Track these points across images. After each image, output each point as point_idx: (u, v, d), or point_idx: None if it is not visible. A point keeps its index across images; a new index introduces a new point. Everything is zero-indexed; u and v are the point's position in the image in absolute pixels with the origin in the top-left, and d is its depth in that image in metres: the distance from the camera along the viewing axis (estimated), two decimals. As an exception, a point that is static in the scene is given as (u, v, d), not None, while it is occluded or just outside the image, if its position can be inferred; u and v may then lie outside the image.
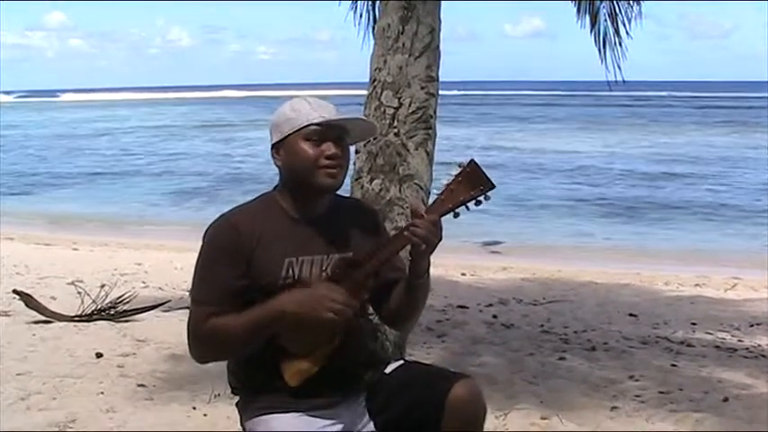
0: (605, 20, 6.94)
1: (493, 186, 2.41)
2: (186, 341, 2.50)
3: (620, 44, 6.86)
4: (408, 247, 2.45)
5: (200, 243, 2.51)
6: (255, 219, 2.49)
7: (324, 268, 2.48)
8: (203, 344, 2.47)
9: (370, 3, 6.98)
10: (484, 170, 2.41)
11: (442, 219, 2.42)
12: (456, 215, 2.43)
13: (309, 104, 2.51)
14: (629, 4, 6.87)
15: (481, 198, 2.41)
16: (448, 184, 2.41)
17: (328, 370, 2.44)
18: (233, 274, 2.43)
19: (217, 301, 2.42)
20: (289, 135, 2.48)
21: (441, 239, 2.41)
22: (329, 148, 2.45)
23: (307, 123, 2.46)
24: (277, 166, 2.54)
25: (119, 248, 12.14)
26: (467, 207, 2.42)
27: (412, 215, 2.42)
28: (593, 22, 6.96)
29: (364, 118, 2.61)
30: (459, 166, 2.41)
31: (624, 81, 6.76)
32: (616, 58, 6.86)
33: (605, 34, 6.92)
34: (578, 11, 7.03)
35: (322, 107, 2.51)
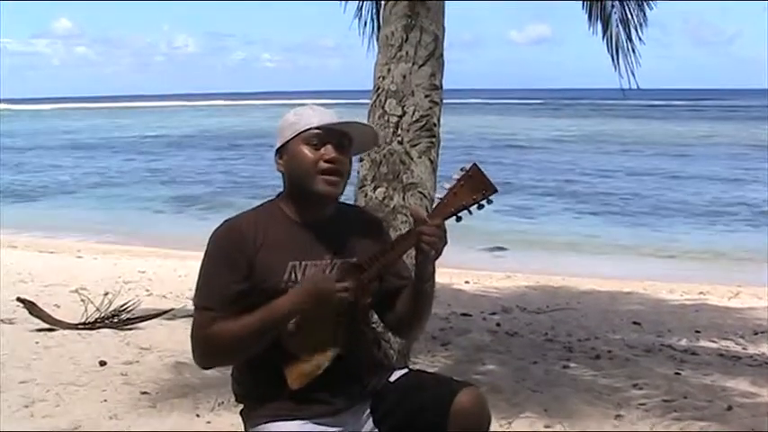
0: (617, 25, 6.89)
1: (495, 190, 2.40)
2: (190, 348, 2.50)
3: (633, 50, 6.82)
4: (412, 254, 2.45)
5: (203, 251, 2.51)
6: (259, 223, 2.50)
7: (326, 273, 2.47)
8: (207, 349, 2.47)
9: (375, 10, 6.98)
10: (486, 174, 2.40)
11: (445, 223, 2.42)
12: (458, 219, 2.42)
13: (312, 110, 2.54)
14: (638, 7, 6.84)
15: (483, 202, 2.41)
16: (451, 188, 2.41)
17: (333, 377, 2.44)
18: (236, 278, 2.43)
19: (220, 305, 2.43)
20: (290, 140, 2.50)
21: (446, 243, 2.41)
22: (329, 152, 2.46)
23: (306, 127, 2.48)
24: (280, 171, 2.55)
25: (122, 256, 12.16)
26: (469, 211, 2.42)
27: (414, 221, 2.42)
28: (605, 28, 6.92)
29: (364, 122, 2.59)
30: (462, 169, 2.41)
31: (639, 88, 6.71)
32: (629, 64, 6.80)
33: (617, 40, 6.87)
34: (590, 17, 6.99)
35: (323, 113, 2.53)
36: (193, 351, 2.50)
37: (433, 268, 2.48)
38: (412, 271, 2.52)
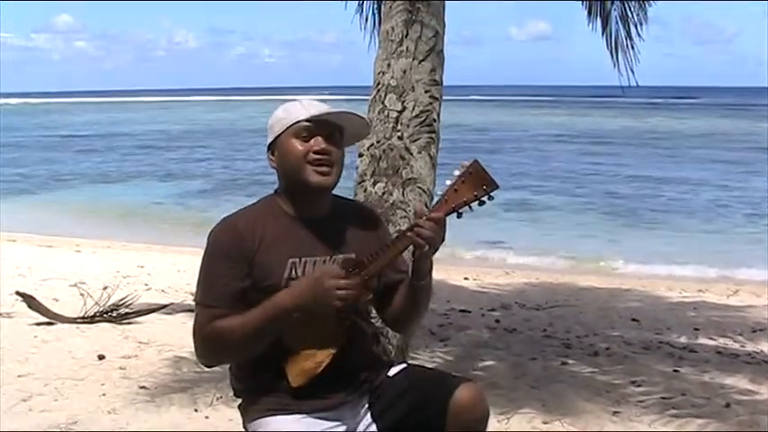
0: (617, 22, 6.88)
1: (497, 187, 2.40)
2: (191, 344, 2.50)
3: (633, 47, 6.81)
4: (411, 249, 2.45)
5: (203, 245, 2.51)
6: (257, 220, 2.49)
7: (331, 268, 2.47)
8: (209, 347, 2.46)
9: (375, 6, 6.98)
10: (487, 170, 2.40)
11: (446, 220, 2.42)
12: (459, 215, 2.42)
13: (301, 104, 2.53)
14: (639, 5, 6.83)
15: (484, 198, 2.41)
16: (452, 185, 2.40)
17: (331, 372, 2.43)
18: (236, 276, 2.43)
19: (220, 303, 2.42)
20: (280, 134, 2.50)
21: (444, 240, 2.41)
22: (318, 143, 2.45)
23: (296, 120, 2.47)
24: (273, 167, 2.55)
25: (122, 250, 12.16)
26: (470, 207, 2.41)
27: (415, 217, 2.42)
28: (605, 25, 6.90)
29: (354, 112, 2.57)
30: (462, 166, 2.41)
31: (638, 85, 6.70)
32: (629, 61, 6.79)
33: (617, 37, 6.86)
34: (589, 13, 6.97)
35: (313, 106, 2.52)
36: (196, 349, 2.50)
37: (431, 264, 2.47)
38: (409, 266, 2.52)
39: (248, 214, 2.53)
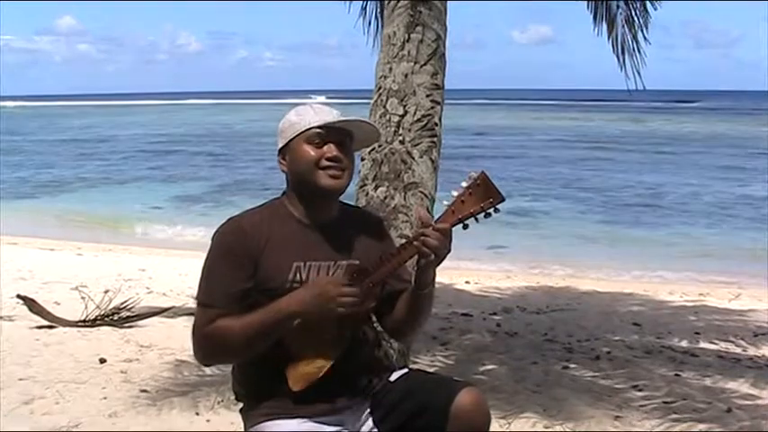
0: (623, 26, 6.87)
1: (503, 199, 2.40)
2: (191, 345, 2.50)
3: (639, 50, 6.81)
4: (414, 258, 2.45)
5: (204, 249, 2.51)
6: (264, 222, 2.50)
7: (331, 275, 2.47)
8: (207, 346, 2.47)
9: (378, 9, 6.99)
10: (494, 182, 2.40)
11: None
12: (465, 226, 2.42)
13: (312, 109, 2.55)
14: (643, 7, 6.82)
15: (491, 210, 2.41)
16: (459, 196, 2.40)
17: (333, 376, 2.43)
18: (239, 276, 2.43)
19: (222, 303, 2.43)
20: (292, 139, 2.51)
21: (450, 251, 2.41)
22: (331, 150, 2.47)
23: (308, 127, 2.49)
24: (283, 171, 2.56)
25: (123, 254, 12.16)
26: (476, 219, 2.42)
27: (420, 224, 2.42)
28: (611, 29, 6.90)
29: (366, 120, 2.60)
30: (470, 177, 2.41)
31: (645, 89, 6.69)
32: (635, 64, 6.79)
33: (623, 41, 6.85)
34: (595, 17, 6.97)
35: (324, 112, 2.54)
36: (194, 348, 2.50)
37: (434, 274, 2.47)
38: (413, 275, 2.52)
39: (255, 215, 2.54)
